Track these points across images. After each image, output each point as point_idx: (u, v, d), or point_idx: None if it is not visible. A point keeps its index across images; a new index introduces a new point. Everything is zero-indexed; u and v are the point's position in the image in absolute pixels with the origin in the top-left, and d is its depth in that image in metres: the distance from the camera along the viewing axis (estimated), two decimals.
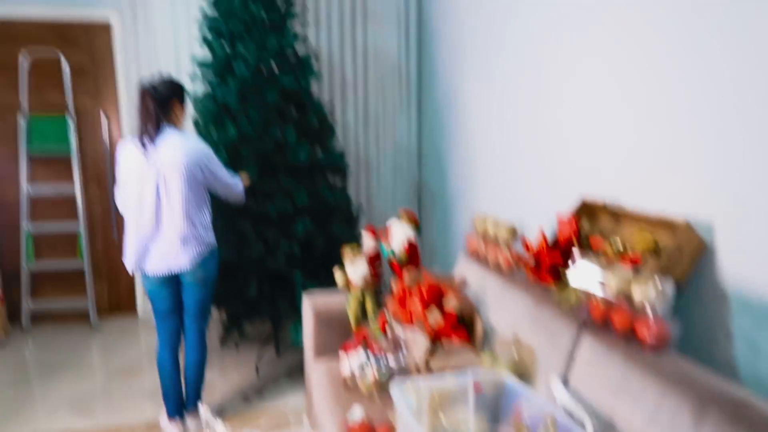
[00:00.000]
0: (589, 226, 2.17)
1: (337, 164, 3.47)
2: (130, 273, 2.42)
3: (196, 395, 2.67)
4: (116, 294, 4.34)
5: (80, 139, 4.14)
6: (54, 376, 3.35)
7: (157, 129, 2.36)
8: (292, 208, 3.14)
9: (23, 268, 4.06)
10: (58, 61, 4.00)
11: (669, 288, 1.49)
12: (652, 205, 1.88)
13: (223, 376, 3.33)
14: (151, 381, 3.23)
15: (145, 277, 2.49)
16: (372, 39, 4.31)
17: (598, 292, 1.65)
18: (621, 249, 1.89)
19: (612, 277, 1.62)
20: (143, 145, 2.36)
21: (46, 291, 4.23)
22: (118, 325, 4.19)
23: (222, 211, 3.22)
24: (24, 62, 3.91)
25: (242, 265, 3.05)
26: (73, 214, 4.12)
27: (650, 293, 1.49)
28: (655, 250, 1.79)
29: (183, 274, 2.48)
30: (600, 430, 1.38)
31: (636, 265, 1.73)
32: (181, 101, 2.49)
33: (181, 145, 2.37)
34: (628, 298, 1.56)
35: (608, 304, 1.63)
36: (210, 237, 2.51)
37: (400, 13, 4.32)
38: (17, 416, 2.86)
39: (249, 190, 3.02)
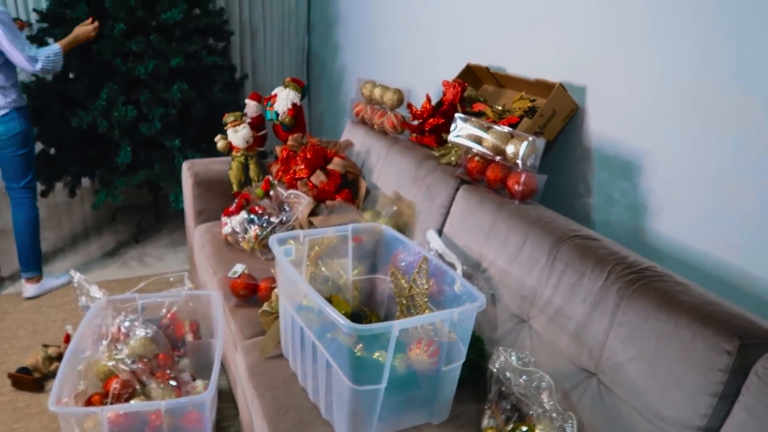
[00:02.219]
0: (474, 92, 2.19)
1: (217, 25, 3.19)
2: None
3: (31, 260, 2.60)
4: None
5: None
6: None
7: None
8: (167, 70, 2.88)
9: None
10: None
11: (540, 145, 1.55)
12: (533, 71, 1.92)
13: (101, 245, 3.21)
14: None
15: None
16: None
17: (476, 149, 1.70)
18: (501, 112, 1.94)
19: (489, 135, 1.66)
20: None
21: None
22: None
23: (84, 69, 2.89)
24: None
25: (112, 129, 2.80)
26: None
27: (522, 149, 1.55)
28: (531, 111, 1.86)
29: None
30: (468, 270, 1.48)
31: (513, 124, 1.79)
32: None
33: None
34: (502, 154, 1.62)
35: (484, 160, 1.69)
36: (10, 96, 2.36)
37: None
38: None
39: (108, 48, 2.74)
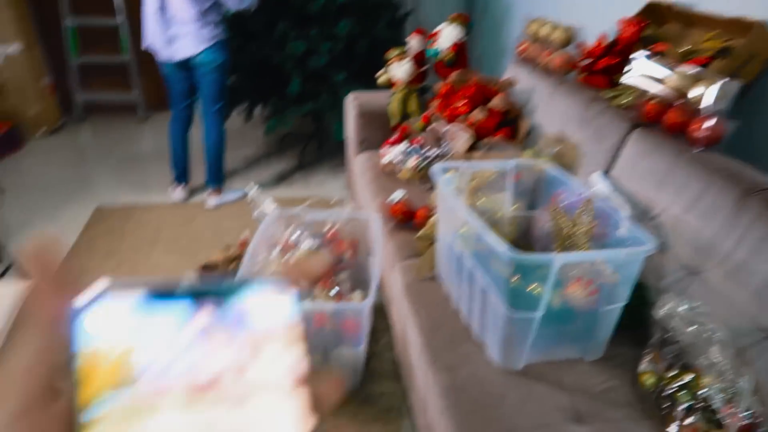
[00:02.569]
0: (656, 31, 2.02)
1: None
2: (144, 49, 2.77)
3: (216, 175, 2.95)
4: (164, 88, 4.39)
5: None
6: (109, 161, 3.55)
7: None
8: (335, 7, 3.00)
9: (69, 61, 4.12)
10: None
11: (732, 88, 1.41)
12: (730, 7, 1.71)
13: (268, 167, 3.52)
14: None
15: (160, 63, 2.73)
16: None
17: (655, 91, 1.59)
18: (686, 53, 1.77)
19: (672, 77, 1.54)
20: None
21: (96, 84, 4.32)
22: (165, 117, 4.29)
23: (261, 5, 3.09)
24: None
25: (284, 61, 3.01)
26: (111, 9, 4.04)
27: (710, 92, 1.42)
28: (723, 53, 1.68)
29: (193, 60, 2.65)
30: (635, 216, 1.42)
31: (700, 65, 1.64)
32: None
33: None
34: (686, 96, 1.50)
35: (664, 102, 1.58)
36: (217, 30, 2.62)
37: None
38: (80, 192, 3.10)
39: None
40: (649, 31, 1.97)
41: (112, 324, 0.26)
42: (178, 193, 3.03)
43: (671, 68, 1.57)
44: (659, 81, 1.59)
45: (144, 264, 2.41)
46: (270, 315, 0.28)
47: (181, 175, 3.02)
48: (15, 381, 0.26)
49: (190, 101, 2.87)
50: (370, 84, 2.90)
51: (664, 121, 1.56)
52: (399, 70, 2.46)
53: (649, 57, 1.68)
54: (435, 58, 2.60)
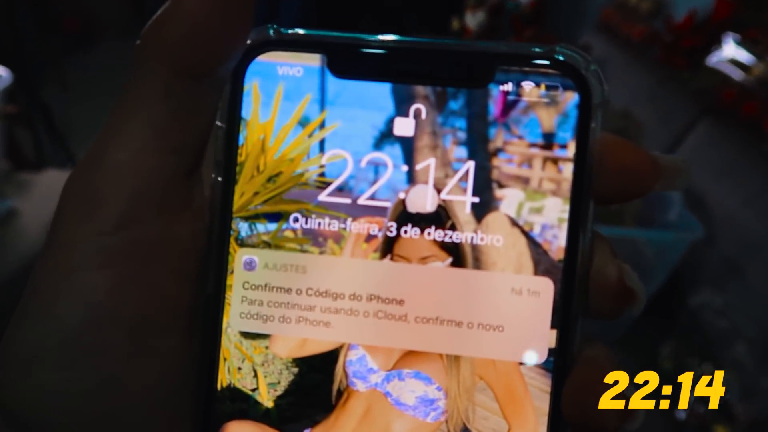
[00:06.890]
0: (753, 15, 1.89)
1: None
2: None
3: None
4: None
5: None
6: None
7: None
8: None
9: None
10: None
11: None
12: None
13: None
14: None
15: None
16: None
17: (737, 79, 1.50)
18: None
19: (761, 66, 1.45)
20: None
21: None
22: None
23: None
24: None
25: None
26: None
27: None
28: None
29: None
30: (687, 203, 1.38)
31: None
32: None
33: None
34: None
35: (744, 91, 1.49)
36: None
37: None
38: None
39: None
40: (746, 14, 1.85)
41: (290, 94, 0.16)
42: None
43: (761, 57, 1.48)
44: (745, 69, 1.50)
45: None
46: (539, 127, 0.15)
47: None
48: (122, 171, 0.15)
49: None
50: (442, 31, 2.82)
51: (740, 111, 1.48)
52: (473, 19, 2.39)
53: (739, 42, 1.58)
54: (514, 11, 2.50)
